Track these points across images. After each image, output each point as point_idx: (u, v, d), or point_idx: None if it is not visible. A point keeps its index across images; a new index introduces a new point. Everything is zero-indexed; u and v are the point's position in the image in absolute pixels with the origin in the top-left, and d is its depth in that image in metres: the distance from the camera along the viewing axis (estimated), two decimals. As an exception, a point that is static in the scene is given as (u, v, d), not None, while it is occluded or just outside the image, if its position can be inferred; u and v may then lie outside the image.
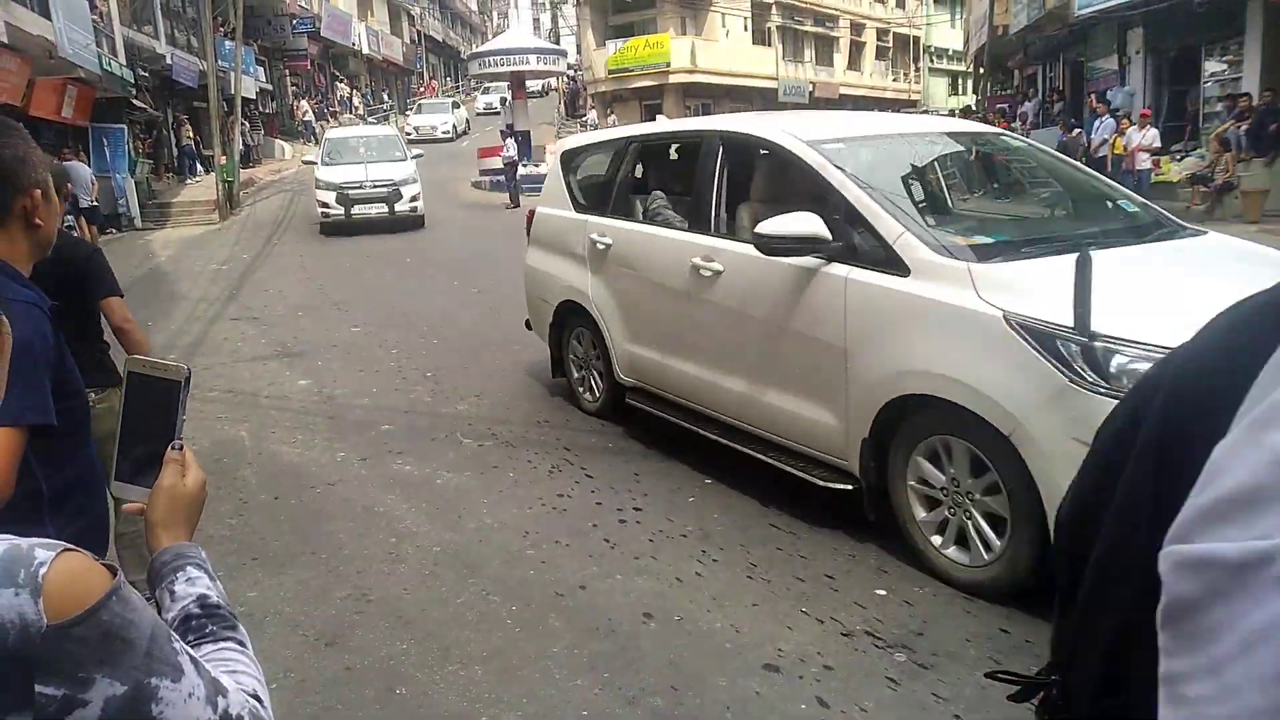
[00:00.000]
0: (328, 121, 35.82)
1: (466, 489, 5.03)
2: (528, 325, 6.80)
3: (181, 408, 1.19)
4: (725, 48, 35.01)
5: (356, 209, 15.82)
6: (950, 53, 47.52)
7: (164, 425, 1.19)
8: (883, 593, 3.74)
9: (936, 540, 3.78)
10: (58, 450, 1.86)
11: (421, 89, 48.26)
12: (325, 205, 15.95)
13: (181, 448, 1.20)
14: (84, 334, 3.36)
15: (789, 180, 4.62)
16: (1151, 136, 14.66)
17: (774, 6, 37.72)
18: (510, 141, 21.25)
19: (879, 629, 3.47)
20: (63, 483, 1.87)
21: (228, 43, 23.67)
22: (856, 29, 44.00)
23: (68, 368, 1.92)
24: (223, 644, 1.05)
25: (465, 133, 37.17)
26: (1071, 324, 3.17)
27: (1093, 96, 18.89)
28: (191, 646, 0.96)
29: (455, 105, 39.51)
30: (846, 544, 4.18)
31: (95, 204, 16.26)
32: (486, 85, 44.06)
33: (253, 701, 0.96)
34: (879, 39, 45.88)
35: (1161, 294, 3.53)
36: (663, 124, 7.35)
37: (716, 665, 3.28)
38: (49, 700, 0.78)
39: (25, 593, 0.78)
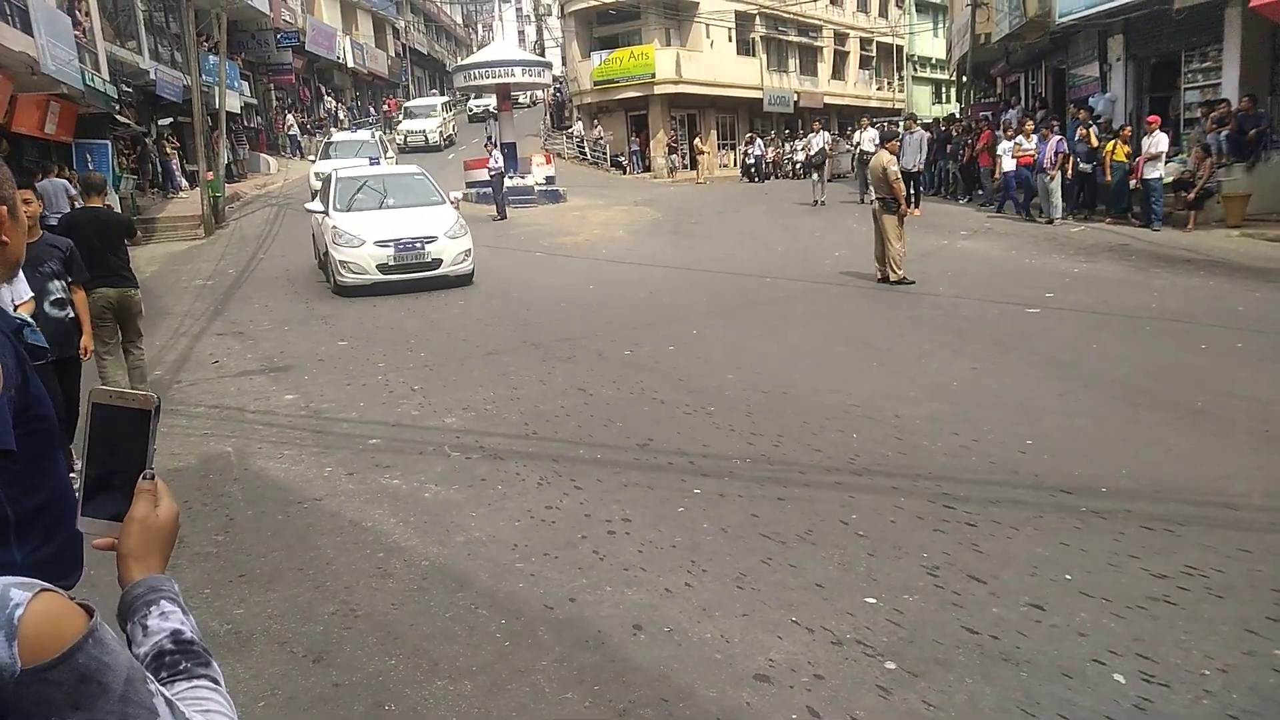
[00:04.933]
0: (313, 135, 35.74)
1: (454, 502, 5.00)
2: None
3: (152, 438, 1.17)
4: (710, 58, 35.03)
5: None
6: (933, 61, 47.75)
7: (134, 456, 1.16)
8: (872, 601, 3.74)
9: None
10: (23, 476, 1.83)
11: (386, 106, 46.31)
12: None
13: (153, 478, 1.18)
14: (120, 251, 6.95)
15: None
16: (1159, 142, 14.21)
17: (758, 17, 37.83)
18: (497, 153, 21.28)
19: (869, 637, 3.47)
20: (30, 508, 1.84)
21: (212, 57, 23.60)
22: (840, 39, 44.15)
23: (33, 393, 1.90)
24: (196, 682, 1.02)
25: (452, 141, 36.57)
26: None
27: (1073, 105, 19.01)
28: (165, 684, 0.94)
29: (448, 106, 38.38)
30: (836, 553, 4.19)
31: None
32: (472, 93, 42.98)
33: None
34: (863, 48, 46.04)
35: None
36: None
37: (707, 676, 3.27)
38: None
39: (0, 636, 0.77)
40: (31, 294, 4.82)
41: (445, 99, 40.21)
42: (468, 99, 42.62)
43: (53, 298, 5.30)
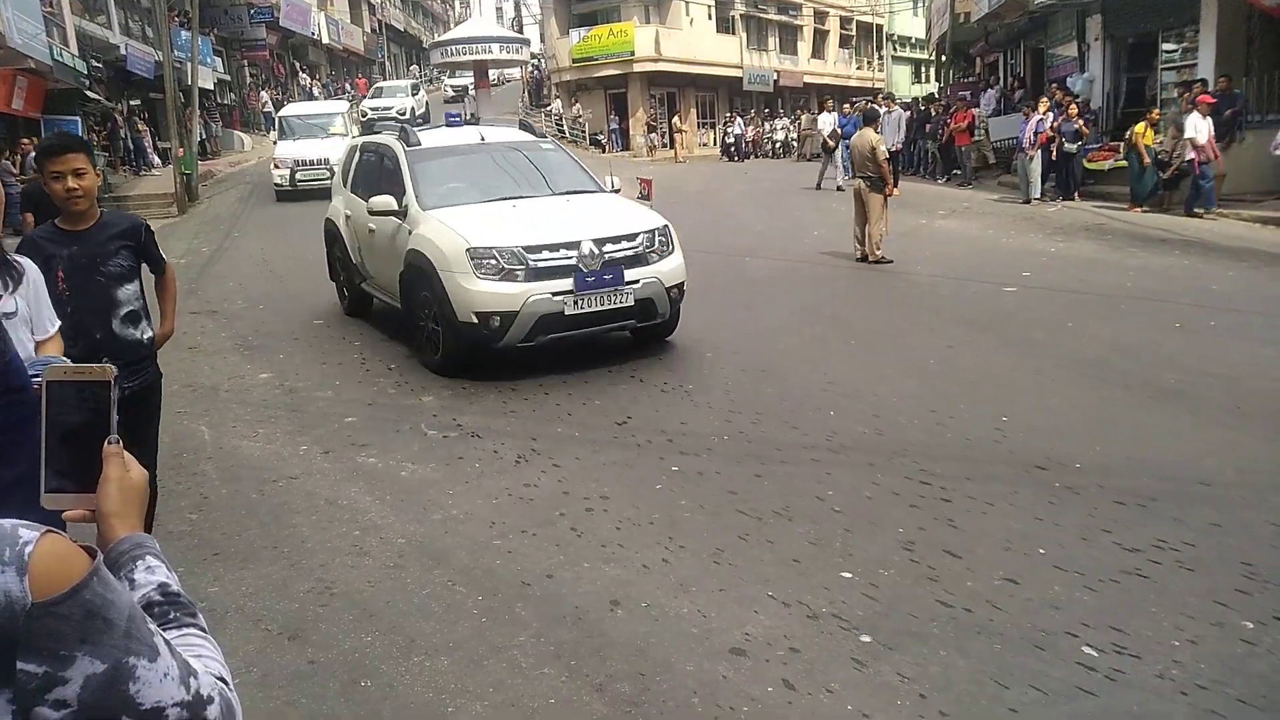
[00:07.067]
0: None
1: (431, 480, 4.99)
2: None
3: (113, 407, 1.18)
4: (689, 36, 34.87)
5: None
6: (913, 41, 47.68)
7: (97, 426, 1.18)
8: (848, 576, 3.77)
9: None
10: (2, 447, 1.81)
11: (355, 87, 43.61)
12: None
13: (119, 442, 1.19)
14: None
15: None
16: (1206, 126, 13.25)
17: (738, -5, 37.69)
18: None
19: (845, 611, 3.49)
20: (8, 480, 1.83)
21: (184, 32, 23.24)
22: (820, 17, 44.06)
23: (12, 366, 1.87)
24: (185, 630, 1.06)
25: (426, 119, 32.87)
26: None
27: (1054, 84, 19.05)
28: None
29: (415, 89, 35.36)
30: (812, 529, 4.21)
31: None
32: (379, 88, 35.83)
33: (221, 684, 0.99)
34: (842, 27, 45.97)
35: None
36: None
37: (683, 650, 3.28)
38: (30, 678, 0.80)
39: (10, 570, 0.81)
40: (58, 323, 2.94)
41: (345, 105, 25.80)
42: (358, 100, 34.11)
43: (124, 311, 3.68)
